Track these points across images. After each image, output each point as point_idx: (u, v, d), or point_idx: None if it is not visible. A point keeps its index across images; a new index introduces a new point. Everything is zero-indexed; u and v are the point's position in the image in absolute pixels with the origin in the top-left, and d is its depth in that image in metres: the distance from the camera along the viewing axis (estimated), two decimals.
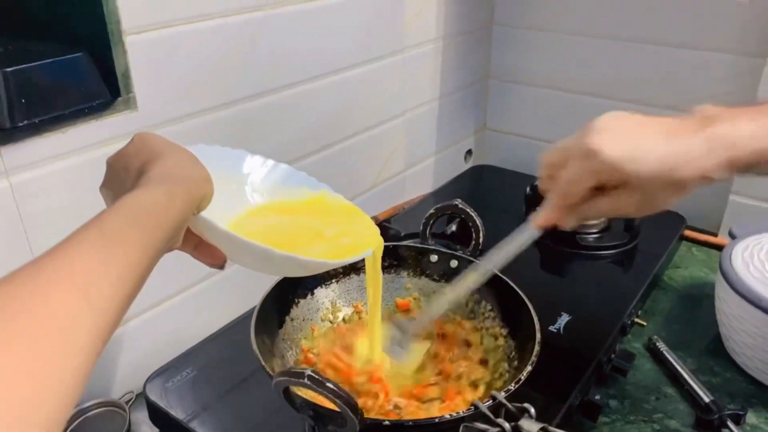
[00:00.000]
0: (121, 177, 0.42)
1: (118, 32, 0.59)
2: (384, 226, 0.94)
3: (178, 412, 0.63)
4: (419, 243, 0.68)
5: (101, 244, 0.34)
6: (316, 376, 0.42)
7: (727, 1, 0.92)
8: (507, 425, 0.44)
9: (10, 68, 0.53)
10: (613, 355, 0.72)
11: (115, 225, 0.36)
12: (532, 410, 0.45)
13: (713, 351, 0.78)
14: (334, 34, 0.82)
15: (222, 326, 0.75)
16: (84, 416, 0.66)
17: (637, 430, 0.67)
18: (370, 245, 0.53)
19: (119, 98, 0.61)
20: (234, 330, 0.75)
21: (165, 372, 0.68)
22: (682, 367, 0.73)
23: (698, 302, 0.87)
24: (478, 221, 0.66)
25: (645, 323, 0.80)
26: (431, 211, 0.65)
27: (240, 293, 0.80)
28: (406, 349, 0.57)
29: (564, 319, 0.75)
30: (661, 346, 0.76)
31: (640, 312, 0.82)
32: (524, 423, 0.44)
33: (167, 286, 0.72)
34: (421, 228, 0.62)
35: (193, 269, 0.74)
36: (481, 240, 0.66)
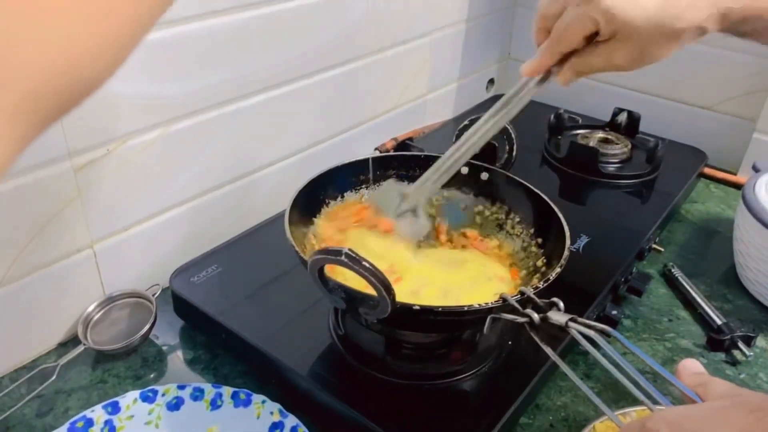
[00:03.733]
0: None
1: None
2: (406, 143, 0.93)
3: (202, 304, 0.64)
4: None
5: None
6: (353, 254, 0.43)
7: None
8: (535, 315, 0.45)
9: None
10: (629, 276, 0.73)
11: None
12: (561, 304, 0.46)
13: (726, 280, 0.79)
14: None
15: (247, 228, 0.76)
16: (112, 305, 0.67)
17: (650, 347, 0.69)
18: None
19: None
20: (259, 233, 0.75)
21: (191, 267, 0.69)
22: (696, 292, 0.74)
23: (714, 236, 0.88)
24: (513, 133, 0.65)
25: (662, 249, 0.81)
26: (465, 122, 0.65)
27: (266, 198, 0.81)
28: (418, 216, 0.59)
29: (583, 240, 0.76)
30: (677, 272, 0.78)
31: (657, 239, 0.82)
32: (552, 315, 0.45)
33: (193, 187, 0.72)
34: (454, 139, 0.62)
35: (222, 173, 0.75)
36: (515, 153, 0.65)
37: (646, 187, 0.90)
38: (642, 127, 0.98)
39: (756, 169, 0.81)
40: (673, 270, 0.78)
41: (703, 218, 0.91)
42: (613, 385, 0.63)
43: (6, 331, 0.61)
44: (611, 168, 0.91)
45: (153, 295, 0.67)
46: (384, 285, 0.43)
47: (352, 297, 0.47)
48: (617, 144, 0.95)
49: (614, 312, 0.67)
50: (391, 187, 0.64)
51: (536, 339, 0.45)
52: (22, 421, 0.58)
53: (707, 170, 0.98)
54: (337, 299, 0.48)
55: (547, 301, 0.46)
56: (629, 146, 0.94)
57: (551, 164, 0.94)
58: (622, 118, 0.98)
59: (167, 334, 0.68)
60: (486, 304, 0.47)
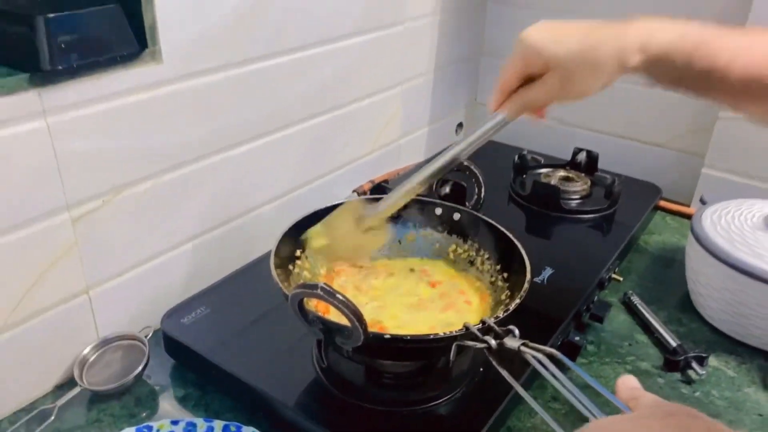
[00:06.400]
0: None
1: None
2: (382, 186, 0.99)
3: (192, 344, 0.68)
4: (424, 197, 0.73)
5: None
6: (328, 288, 0.48)
7: None
8: (492, 341, 0.50)
9: (51, 14, 0.57)
10: (591, 305, 0.79)
11: None
12: (516, 331, 0.51)
13: (682, 306, 0.85)
14: (341, 1, 0.87)
15: (233, 271, 0.81)
16: (106, 347, 0.70)
17: (612, 370, 0.74)
18: None
19: (146, 50, 0.65)
20: (245, 275, 0.80)
21: (181, 309, 0.73)
22: (653, 318, 0.80)
23: (670, 264, 0.94)
24: (481, 176, 0.71)
25: (621, 279, 0.87)
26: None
27: (251, 242, 0.86)
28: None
29: (548, 272, 0.82)
30: (635, 299, 0.84)
31: (617, 269, 0.89)
32: (507, 340, 0.50)
33: (182, 232, 0.77)
34: None
35: (209, 219, 0.80)
36: (483, 194, 0.72)
37: (606, 220, 0.97)
38: (600, 165, 1.05)
39: (703, 202, 0.88)
40: (632, 298, 0.84)
41: (660, 248, 0.98)
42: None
43: (5, 376, 0.64)
44: (573, 204, 0.98)
45: (146, 337, 0.71)
46: (356, 315, 0.48)
47: (328, 328, 0.52)
48: (577, 181, 1.02)
49: (577, 338, 0.72)
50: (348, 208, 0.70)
51: (494, 363, 0.50)
52: None
53: (662, 203, 1.06)
54: (315, 330, 0.53)
55: (504, 328, 0.52)
56: (589, 183, 1.01)
57: (517, 202, 1.00)
58: (582, 157, 1.06)
59: (159, 373, 0.71)
60: (450, 332, 0.53)
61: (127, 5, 0.63)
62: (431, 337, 0.52)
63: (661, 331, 0.78)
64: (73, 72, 0.60)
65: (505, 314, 0.55)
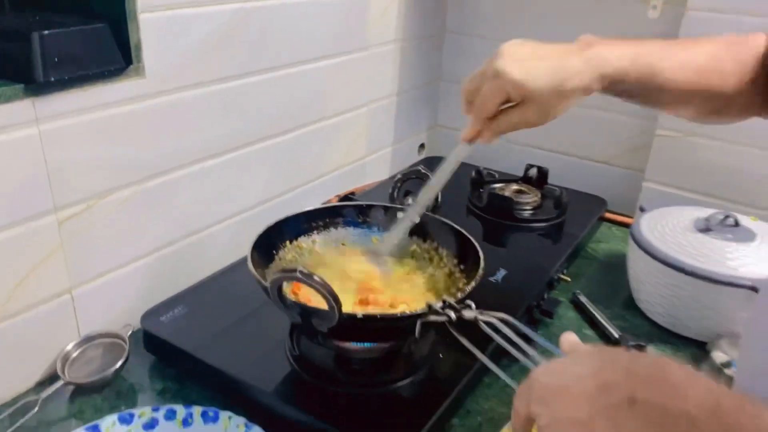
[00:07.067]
0: None
1: (134, 10, 0.70)
2: (349, 197, 1.06)
3: (171, 339, 0.73)
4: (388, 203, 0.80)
5: None
6: (305, 271, 0.54)
7: (640, 14, 1.09)
8: (452, 314, 0.57)
9: (45, 31, 0.63)
10: (542, 301, 0.86)
11: None
12: (473, 305, 0.58)
13: (625, 305, 0.93)
14: (312, 26, 0.94)
15: (209, 275, 0.86)
16: (88, 344, 0.74)
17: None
18: None
19: (131, 66, 0.71)
20: (219, 279, 0.85)
21: (159, 309, 0.78)
22: (599, 314, 0.88)
23: (615, 269, 1.02)
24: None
25: (569, 279, 0.94)
26: (398, 176, 0.78)
27: (224, 249, 0.91)
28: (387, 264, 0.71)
29: (501, 273, 0.89)
30: (583, 298, 0.91)
31: (565, 271, 0.96)
32: (465, 312, 0.57)
33: (161, 237, 0.82)
34: (390, 190, 0.75)
35: (186, 224, 0.85)
36: (439, 200, 0.79)
37: (556, 228, 1.05)
38: (551, 180, 1.14)
39: (642, 209, 0.97)
40: (580, 297, 0.91)
41: (606, 255, 1.06)
42: None
43: None
44: (525, 214, 1.06)
45: (126, 334, 0.75)
46: (332, 295, 0.54)
47: (305, 311, 0.58)
48: (529, 194, 1.10)
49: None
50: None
51: (454, 333, 0.56)
52: None
53: (608, 215, 1.14)
54: (293, 314, 0.59)
55: (462, 303, 0.58)
56: (540, 195, 1.10)
57: (475, 213, 1.08)
58: (533, 172, 1.14)
59: (138, 369, 0.75)
60: (415, 311, 0.59)
61: (114, 25, 0.69)
62: (398, 315, 0.58)
63: (606, 325, 0.85)
64: (63, 84, 0.66)
65: (463, 295, 0.61)
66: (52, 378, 0.72)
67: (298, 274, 0.53)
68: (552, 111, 0.64)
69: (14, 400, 0.69)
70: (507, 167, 1.21)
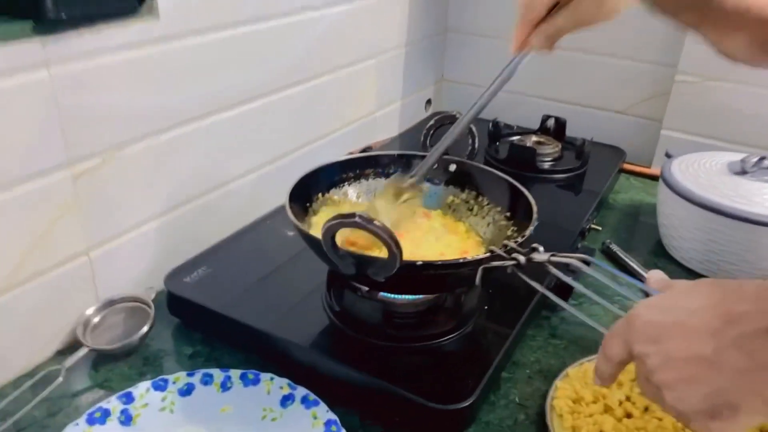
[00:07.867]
0: None
1: None
2: (366, 152, 1.01)
3: (199, 300, 0.68)
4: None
5: None
6: (365, 215, 0.49)
7: None
8: (522, 257, 0.53)
9: None
10: (577, 250, 0.83)
11: None
12: (541, 247, 0.54)
13: (655, 252, 0.91)
14: None
15: (230, 234, 0.81)
16: (109, 309, 0.69)
17: (602, 309, 0.78)
18: None
19: (144, 3, 0.65)
20: (240, 237, 0.80)
21: (182, 270, 0.73)
22: (633, 262, 0.85)
23: (638, 218, 1.00)
24: (475, 130, 0.74)
25: (600, 228, 0.92)
26: (431, 122, 0.73)
27: (243, 206, 0.86)
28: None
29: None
30: (614, 247, 0.89)
31: (594, 220, 0.94)
32: (535, 255, 0.53)
33: (177, 195, 0.77)
34: (422, 138, 0.71)
35: (203, 181, 0.79)
36: (476, 145, 0.75)
37: (578, 179, 1.02)
38: (568, 132, 1.11)
39: (668, 155, 0.94)
40: (611, 246, 0.89)
41: (628, 205, 1.04)
42: (575, 341, 0.72)
43: (5, 340, 0.63)
44: (546, 165, 1.03)
45: (150, 297, 0.70)
46: (394, 241, 0.50)
47: (360, 261, 0.54)
48: (549, 145, 1.06)
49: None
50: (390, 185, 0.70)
51: (524, 277, 0.53)
52: (34, 422, 0.59)
53: (627, 165, 1.12)
54: (347, 264, 0.54)
55: (528, 247, 0.55)
56: (560, 146, 1.06)
57: (494, 165, 1.04)
58: (551, 123, 1.11)
59: (162, 334, 0.71)
60: (478, 255, 0.55)
61: None
62: (461, 261, 0.54)
63: (643, 273, 0.83)
64: (74, 23, 0.59)
65: (524, 239, 0.58)
66: (72, 347, 0.67)
67: (358, 219, 0.49)
68: (607, 7, 0.57)
69: (34, 371, 0.64)
70: (521, 121, 1.17)
